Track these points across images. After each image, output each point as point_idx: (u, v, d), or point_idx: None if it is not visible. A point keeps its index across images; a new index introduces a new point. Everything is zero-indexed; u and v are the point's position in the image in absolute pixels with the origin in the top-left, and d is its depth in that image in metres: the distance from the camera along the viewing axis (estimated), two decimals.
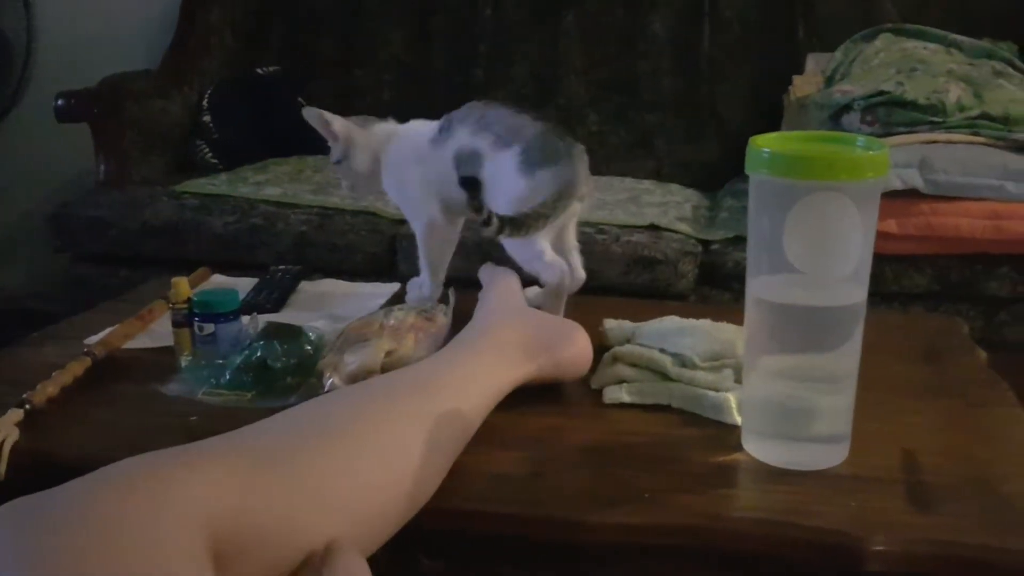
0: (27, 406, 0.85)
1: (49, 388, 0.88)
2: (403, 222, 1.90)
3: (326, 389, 0.84)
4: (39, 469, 0.78)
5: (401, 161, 1.07)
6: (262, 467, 0.60)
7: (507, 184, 0.95)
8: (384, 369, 0.85)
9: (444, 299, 1.07)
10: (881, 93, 1.75)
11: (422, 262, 1.09)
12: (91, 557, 0.47)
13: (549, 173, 0.94)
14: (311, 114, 1.07)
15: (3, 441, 0.79)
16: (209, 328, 0.95)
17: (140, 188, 2.12)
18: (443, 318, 0.97)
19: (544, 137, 0.96)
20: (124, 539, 0.48)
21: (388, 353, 0.87)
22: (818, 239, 0.71)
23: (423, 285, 1.09)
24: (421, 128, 1.08)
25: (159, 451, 0.57)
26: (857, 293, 0.72)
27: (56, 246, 2.06)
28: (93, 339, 0.99)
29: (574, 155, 0.96)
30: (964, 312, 1.67)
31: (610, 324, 0.99)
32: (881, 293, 1.67)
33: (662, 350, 0.89)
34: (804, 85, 2.08)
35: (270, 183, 2.08)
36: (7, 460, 0.78)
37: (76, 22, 2.63)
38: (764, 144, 0.70)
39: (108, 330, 1.01)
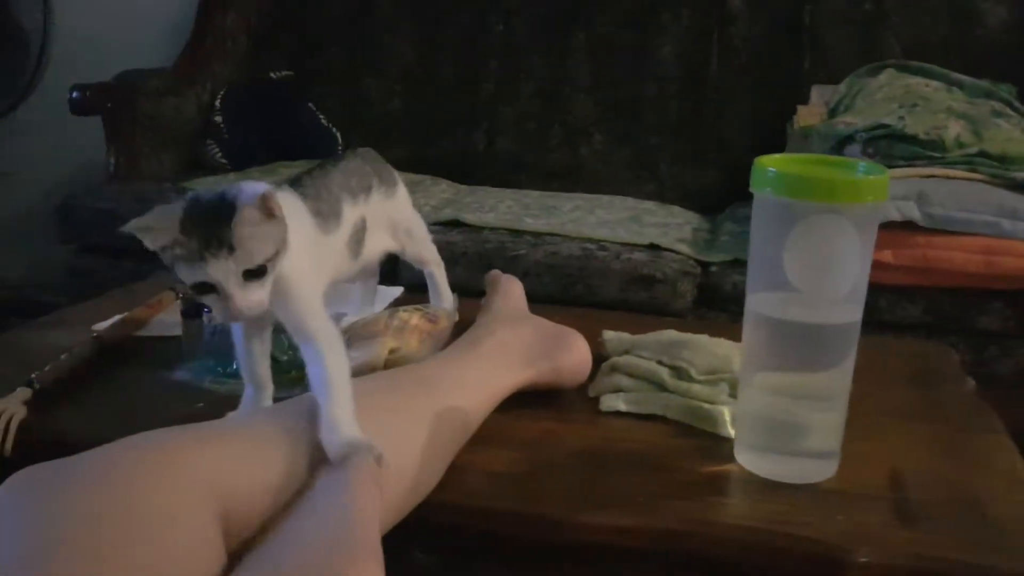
0: (35, 386, 0.86)
1: (57, 370, 0.89)
2: None
3: None
4: (45, 447, 0.79)
5: None
6: (264, 448, 0.62)
7: None
8: (387, 366, 0.87)
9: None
10: (882, 126, 1.77)
11: None
12: (106, 522, 0.49)
13: None
14: None
15: (10, 419, 0.81)
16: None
17: (149, 183, 2.13)
18: (446, 320, 0.99)
19: None
20: (137, 506, 0.50)
21: (392, 351, 0.89)
22: (817, 259, 0.73)
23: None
24: None
25: (172, 427, 0.59)
26: (852, 313, 0.74)
27: (61, 237, 2.07)
28: (101, 325, 1.00)
29: None
30: (955, 345, 1.68)
31: (609, 335, 1.01)
32: (875, 322, 1.69)
33: (660, 362, 0.91)
34: (807, 115, 2.10)
35: None
36: (14, 437, 0.80)
37: (94, 17, 2.66)
38: (769, 164, 0.73)
39: (117, 317, 1.02)
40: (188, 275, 0.69)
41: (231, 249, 0.68)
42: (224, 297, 0.69)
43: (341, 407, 0.69)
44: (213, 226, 0.67)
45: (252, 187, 0.69)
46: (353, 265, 0.89)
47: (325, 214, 0.83)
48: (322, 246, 0.82)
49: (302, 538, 0.55)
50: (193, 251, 0.67)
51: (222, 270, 0.68)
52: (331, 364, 0.72)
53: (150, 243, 0.69)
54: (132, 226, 0.68)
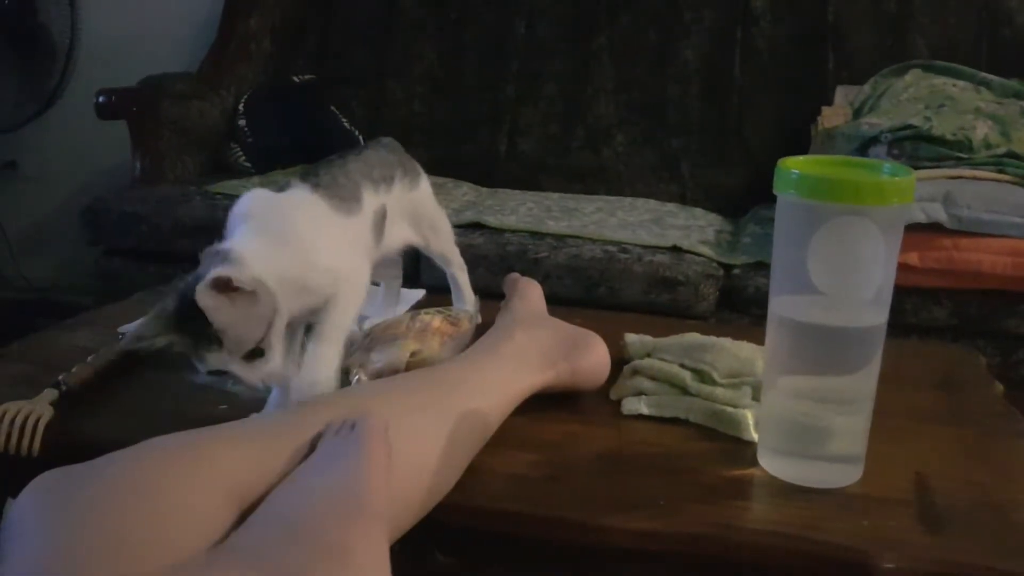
0: (62, 387, 0.87)
1: (84, 371, 0.90)
2: None
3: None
4: (71, 449, 0.80)
5: None
6: (284, 449, 0.62)
7: None
8: (409, 368, 0.87)
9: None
10: (908, 127, 1.76)
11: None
12: (131, 523, 0.50)
13: None
14: None
15: (38, 420, 0.82)
16: None
17: (174, 187, 2.16)
18: (467, 323, 0.99)
19: None
20: (163, 507, 0.51)
21: (413, 353, 0.89)
22: (841, 262, 0.72)
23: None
24: None
25: (197, 429, 0.60)
26: (878, 316, 0.73)
27: (89, 239, 2.09)
28: (128, 327, 1.01)
29: None
30: (982, 348, 1.67)
31: (631, 338, 1.00)
32: (900, 325, 1.68)
33: (682, 365, 0.91)
34: (832, 116, 2.09)
35: None
36: (41, 438, 0.81)
37: (120, 22, 2.69)
38: (793, 166, 0.72)
39: (143, 319, 1.03)
40: (200, 366, 0.71)
41: (220, 343, 0.68)
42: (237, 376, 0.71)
43: (318, 355, 0.77)
44: (196, 324, 0.67)
45: (205, 277, 0.69)
46: (375, 251, 0.90)
47: (344, 198, 0.85)
48: (344, 225, 0.84)
49: (307, 498, 0.56)
50: (191, 349, 0.69)
51: (219, 362, 0.69)
52: (329, 317, 0.79)
53: (154, 347, 0.71)
54: (127, 342, 0.72)
